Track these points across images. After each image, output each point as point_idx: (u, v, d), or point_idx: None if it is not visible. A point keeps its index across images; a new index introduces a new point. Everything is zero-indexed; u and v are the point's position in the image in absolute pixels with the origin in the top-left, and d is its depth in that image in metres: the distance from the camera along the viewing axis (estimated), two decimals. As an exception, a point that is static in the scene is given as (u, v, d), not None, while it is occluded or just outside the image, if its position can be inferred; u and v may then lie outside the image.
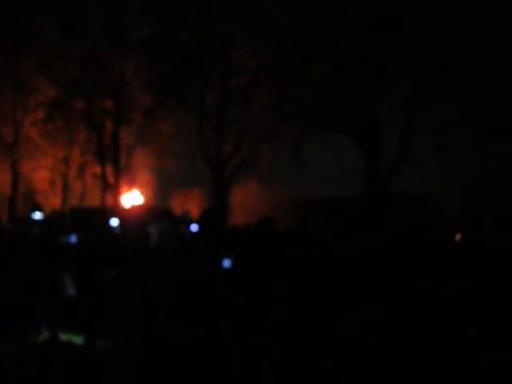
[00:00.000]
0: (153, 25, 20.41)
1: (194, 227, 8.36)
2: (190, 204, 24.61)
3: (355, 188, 19.47)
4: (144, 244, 8.20)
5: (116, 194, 21.00)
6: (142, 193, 17.56)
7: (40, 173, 23.86)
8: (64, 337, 8.51)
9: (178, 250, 7.91)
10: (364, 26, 17.43)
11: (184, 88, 20.20)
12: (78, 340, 8.42)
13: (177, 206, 22.74)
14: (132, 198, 16.84)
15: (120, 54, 21.02)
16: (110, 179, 21.36)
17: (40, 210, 9.32)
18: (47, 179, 24.33)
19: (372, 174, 18.27)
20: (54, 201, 23.85)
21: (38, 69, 21.63)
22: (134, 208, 11.63)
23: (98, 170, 22.42)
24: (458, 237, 10.79)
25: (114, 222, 8.90)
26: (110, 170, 21.42)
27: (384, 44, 17.56)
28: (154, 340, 7.64)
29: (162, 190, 22.57)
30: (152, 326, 7.74)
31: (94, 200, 23.62)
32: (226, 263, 7.46)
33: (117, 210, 11.86)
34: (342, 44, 17.59)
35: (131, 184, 20.03)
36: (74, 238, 8.71)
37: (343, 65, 17.62)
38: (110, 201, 21.22)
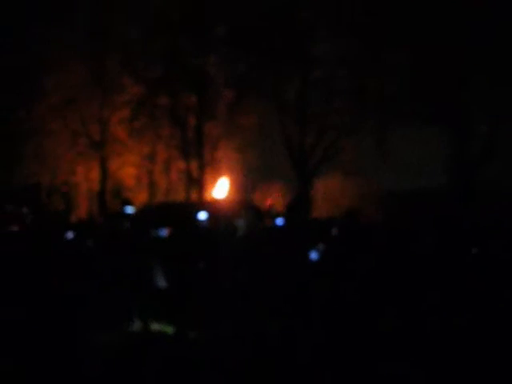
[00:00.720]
0: (234, 20, 20.59)
1: (281, 220, 8.40)
2: (271, 197, 24.67)
3: (439, 179, 19.06)
4: (232, 237, 8.32)
5: (201, 188, 21.38)
6: (226, 187, 17.79)
7: (127, 169, 24.48)
8: (156, 327, 8.76)
9: (265, 243, 7.98)
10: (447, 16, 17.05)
11: (265, 81, 20.28)
12: (169, 330, 8.66)
13: (259, 199, 22.86)
14: (217, 192, 17.08)
15: (202, 50, 21.33)
16: (195, 174, 21.74)
17: (131, 205, 9.60)
18: (134, 175, 24.95)
19: (460, 165, 17.82)
20: (141, 196, 24.44)
21: (123, 68, 22.24)
22: (220, 202, 11.79)
23: (182, 165, 22.85)
24: None
25: (202, 215, 9.06)
26: (194, 164, 21.81)
27: (469, 32, 17.11)
28: (242, 331, 7.75)
29: (245, 183, 22.76)
30: (241, 318, 7.84)
31: (178, 195, 24.06)
32: (314, 255, 7.46)
33: (204, 204, 12.06)
34: (425, 32, 17.23)
35: (215, 178, 20.31)
36: (164, 232, 8.93)
37: (428, 53, 17.26)
38: (194, 195, 21.60)
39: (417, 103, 18.07)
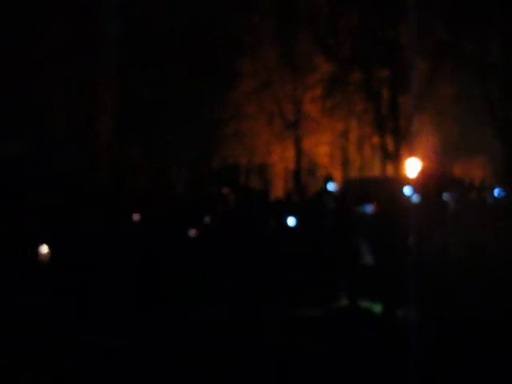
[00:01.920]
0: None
1: (498, 192, 7.90)
2: (473, 171, 23.47)
3: None
4: (441, 213, 7.97)
5: (397, 163, 20.81)
6: (424, 161, 17.14)
7: (320, 147, 24.59)
8: (364, 304, 8.68)
9: (478, 218, 7.55)
10: None
11: (464, 47, 19.14)
12: (377, 308, 8.52)
13: (459, 173, 21.81)
14: (415, 167, 16.50)
15: (392, 21, 20.70)
16: (390, 149, 21.23)
17: (333, 182, 9.63)
18: (327, 153, 25.00)
19: None
20: (335, 173, 24.42)
21: (315, 47, 22.30)
22: (423, 176, 11.36)
23: (376, 140, 22.46)
24: None
25: (408, 190, 8.81)
26: (389, 139, 21.29)
27: None
28: (448, 312, 7.42)
29: (444, 157, 21.83)
30: (449, 298, 7.51)
31: (372, 171, 23.72)
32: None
33: (408, 179, 11.68)
34: None
35: (412, 152, 19.65)
36: (369, 208, 8.81)
37: None
38: (390, 171, 21.10)
39: None
